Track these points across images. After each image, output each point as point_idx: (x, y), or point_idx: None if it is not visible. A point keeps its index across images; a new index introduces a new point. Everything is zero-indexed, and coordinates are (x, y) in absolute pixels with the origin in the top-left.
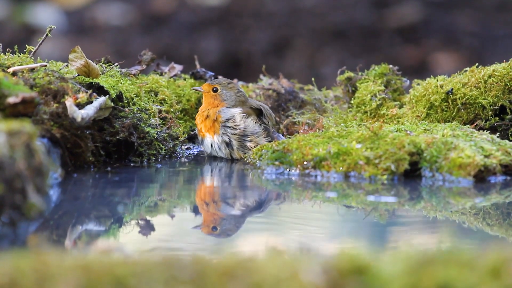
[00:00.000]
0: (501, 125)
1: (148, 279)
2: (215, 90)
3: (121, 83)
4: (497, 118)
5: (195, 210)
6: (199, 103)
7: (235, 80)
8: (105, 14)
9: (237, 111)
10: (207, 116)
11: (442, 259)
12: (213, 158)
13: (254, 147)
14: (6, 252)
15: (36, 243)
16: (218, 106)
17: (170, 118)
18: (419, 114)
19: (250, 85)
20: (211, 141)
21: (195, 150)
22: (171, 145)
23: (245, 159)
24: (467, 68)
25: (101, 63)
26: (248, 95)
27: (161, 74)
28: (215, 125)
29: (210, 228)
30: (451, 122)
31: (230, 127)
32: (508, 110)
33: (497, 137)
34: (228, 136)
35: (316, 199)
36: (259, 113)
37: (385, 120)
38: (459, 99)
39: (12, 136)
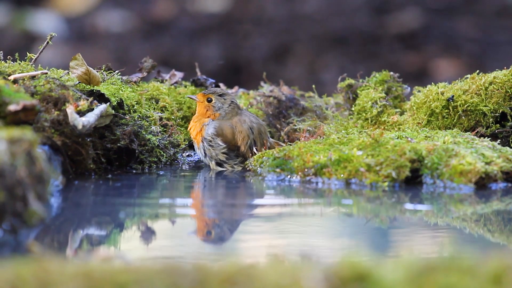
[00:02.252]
0: (502, 132)
1: (150, 287)
2: (209, 101)
3: (122, 91)
4: (498, 125)
5: (196, 217)
6: None
7: (236, 88)
8: (106, 21)
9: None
10: (196, 126)
11: (444, 266)
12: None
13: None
14: (8, 260)
15: (35, 249)
16: (209, 117)
17: (171, 126)
18: (420, 121)
19: (251, 92)
20: (196, 147)
21: (196, 157)
22: (172, 152)
23: (235, 169)
24: (468, 75)
25: (102, 71)
26: (248, 103)
27: (162, 81)
28: (198, 137)
29: (209, 235)
30: (452, 129)
31: (207, 141)
32: (509, 117)
33: (498, 144)
34: (204, 149)
35: (317, 206)
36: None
37: (386, 127)
38: (460, 106)
39: (13, 144)
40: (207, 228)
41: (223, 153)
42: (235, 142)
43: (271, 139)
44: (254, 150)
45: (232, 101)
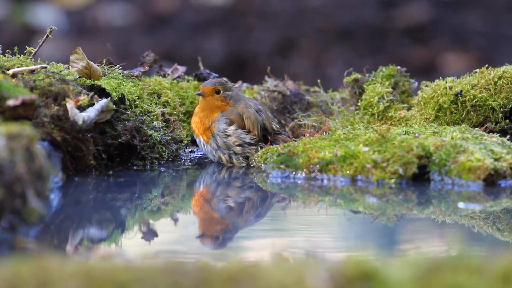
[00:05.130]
0: None
1: (151, 285)
2: (217, 92)
3: (123, 85)
4: (507, 120)
5: (199, 215)
6: None
7: (239, 83)
8: (107, 15)
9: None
10: (203, 122)
11: (451, 265)
12: (217, 161)
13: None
14: (6, 258)
15: (23, 246)
16: (221, 110)
17: (173, 121)
18: (428, 117)
19: (255, 87)
20: (203, 142)
21: (198, 154)
22: (175, 148)
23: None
24: (477, 70)
25: (103, 65)
26: (252, 98)
27: (164, 76)
28: (207, 133)
29: (213, 234)
30: (460, 125)
31: (220, 135)
32: None
33: (508, 140)
34: (217, 142)
35: (323, 203)
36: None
37: (393, 123)
38: (468, 101)
39: (12, 140)
40: (210, 226)
41: (238, 144)
42: (247, 128)
43: (276, 126)
44: (274, 126)
45: (234, 87)
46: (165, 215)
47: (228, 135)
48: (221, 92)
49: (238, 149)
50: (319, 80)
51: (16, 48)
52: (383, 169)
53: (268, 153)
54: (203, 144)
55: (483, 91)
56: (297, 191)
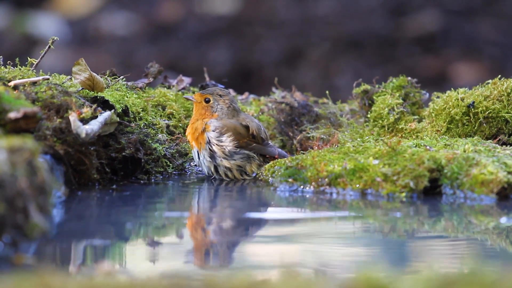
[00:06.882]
0: None
1: None
2: (207, 101)
3: (127, 97)
4: None
5: (205, 231)
6: None
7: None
8: (110, 24)
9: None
10: (196, 127)
11: (464, 281)
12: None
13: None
14: (8, 274)
15: (22, 262)
16: (208, 118)
17: (178, 133)
18: (439, 129)
19: (262, 98)
20: (197, 152)
21: None
22: (179, 162)
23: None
24: (489, 81)
25: (106, 76)
26: (259, 110)
27: (168, 87)
28: (202, 137)
29: (218, 249)
30: (473, 137)
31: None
32: None
33: None
34: (212, 149)
35: (332, 218)
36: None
37: (403, 135)
38: (481, 112)
39: (14, 153)
40: (216, 242)
41: (233, 150)
42: (248, 133)
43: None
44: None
45: (231, 103)
46: (170, 231)
47: (220, 141)
48: (211, 101)
49: (232, 152)
50: (327, 91)
51: (17, 59)
52: (393, 182)
53: (276, 166)
54: (197, 153)
55: (496, 103)
56: (306, 205)
